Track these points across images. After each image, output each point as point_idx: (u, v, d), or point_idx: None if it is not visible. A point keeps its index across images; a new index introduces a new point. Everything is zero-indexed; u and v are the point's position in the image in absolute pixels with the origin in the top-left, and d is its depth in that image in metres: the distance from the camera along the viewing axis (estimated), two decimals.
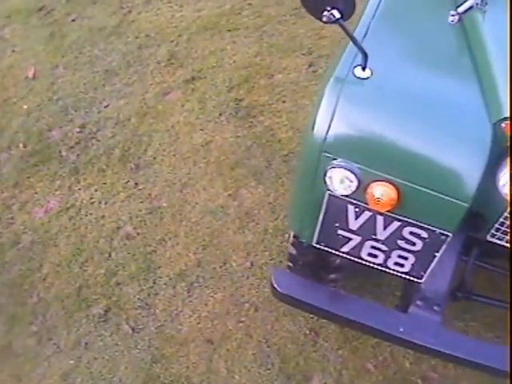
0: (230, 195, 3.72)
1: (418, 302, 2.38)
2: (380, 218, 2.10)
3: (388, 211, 2.01)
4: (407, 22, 2.37)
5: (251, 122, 4.02)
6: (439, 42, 2.28)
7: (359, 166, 1.96)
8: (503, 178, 1.98)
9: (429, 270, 2.24)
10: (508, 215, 2.14)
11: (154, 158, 3.90)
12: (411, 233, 2.11)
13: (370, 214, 2.09)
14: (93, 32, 4.68)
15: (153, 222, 3.62)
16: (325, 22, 1.85)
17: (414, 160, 1.95)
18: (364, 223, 2.14)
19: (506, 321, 3.09)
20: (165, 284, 3.39)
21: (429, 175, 1.96)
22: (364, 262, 2.31)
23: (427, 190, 1.96)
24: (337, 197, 2.07)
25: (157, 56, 4.48)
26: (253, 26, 4.60)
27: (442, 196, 1.96)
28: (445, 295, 2.41)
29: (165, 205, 3.69)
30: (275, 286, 2.43)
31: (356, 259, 2.31)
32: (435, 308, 2.37)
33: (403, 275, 2.30)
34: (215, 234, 3.56)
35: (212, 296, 3.34)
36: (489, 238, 2.27)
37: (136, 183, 3.79)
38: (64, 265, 3.47)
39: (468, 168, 1.94)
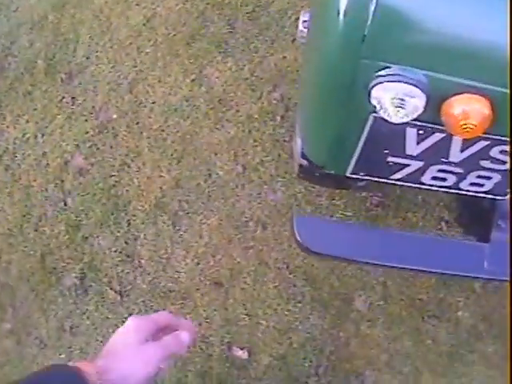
0: (193, 81, 2.66)
1: (500, 223, 1.67)
2: (457, 140, 1.35)
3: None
4: None
5: None
6: None
7: (427, 72, 1.18)
8: None
9: None
10: None
11: (88, 58, 2.78)
12: (502, 151, 1.39)
13: (443, 135, 1.33)
14: None
15: (106, 143, 2.62)
16: None
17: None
18: (430, 147, 1.39)
19: None
20: (142, 223, 2.50)
21: None
22: (422, 187, 1.58)
23: None
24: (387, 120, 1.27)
25: None
26: None
27: None
28: None
29: (115, 116, 2.65)
30: (299, 240, 1.67)
31: (412, 184, 1.57)
32: None
33: (480, 194, 1.59)
34: (187, 138, 2.57)
35: (205, 223, 2.46)
36: None
37: (73, 97, 2.72)
38: (16, 232, 2.57)
39: None
